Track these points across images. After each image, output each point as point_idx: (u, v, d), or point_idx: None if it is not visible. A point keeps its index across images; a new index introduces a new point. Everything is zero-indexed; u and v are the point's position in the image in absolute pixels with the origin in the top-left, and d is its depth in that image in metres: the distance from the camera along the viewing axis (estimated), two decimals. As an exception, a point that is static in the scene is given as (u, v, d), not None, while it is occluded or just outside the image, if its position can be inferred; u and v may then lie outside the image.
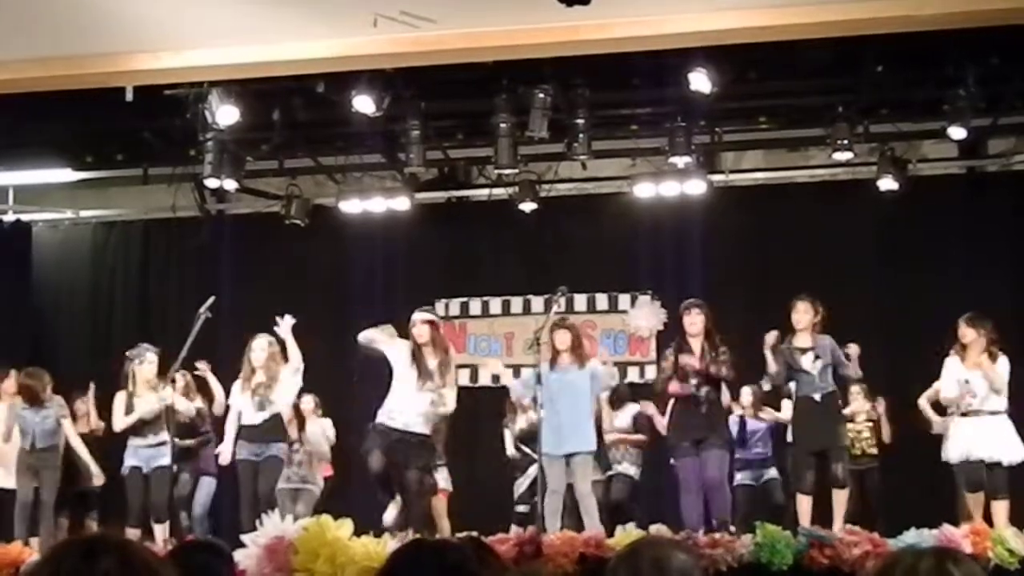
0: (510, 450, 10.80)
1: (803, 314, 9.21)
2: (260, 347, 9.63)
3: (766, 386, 9.86)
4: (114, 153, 12.66)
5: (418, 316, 9.41)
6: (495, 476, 11.29)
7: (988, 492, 8.90)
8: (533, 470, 10.24)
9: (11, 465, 10.26)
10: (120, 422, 9.96)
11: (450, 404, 9.35)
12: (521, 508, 10.58)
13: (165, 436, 9.84)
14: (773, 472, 10.80)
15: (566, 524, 8.96)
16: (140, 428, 9.89)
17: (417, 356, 9.25)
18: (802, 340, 9.22)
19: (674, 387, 9.12)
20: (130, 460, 9.91)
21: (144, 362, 10.01)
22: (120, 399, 9.99)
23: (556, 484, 9.06)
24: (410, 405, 9.18)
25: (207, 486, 11.13)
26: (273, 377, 9.57)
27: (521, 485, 10.66)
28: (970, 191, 12.15)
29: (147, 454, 9.80)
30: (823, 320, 9.23)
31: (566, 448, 9.08)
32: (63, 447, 10.34)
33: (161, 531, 9.70)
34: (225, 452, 9.75)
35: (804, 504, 9.05)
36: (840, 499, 9.00)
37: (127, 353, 10.17)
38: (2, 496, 10.31)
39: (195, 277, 12.74)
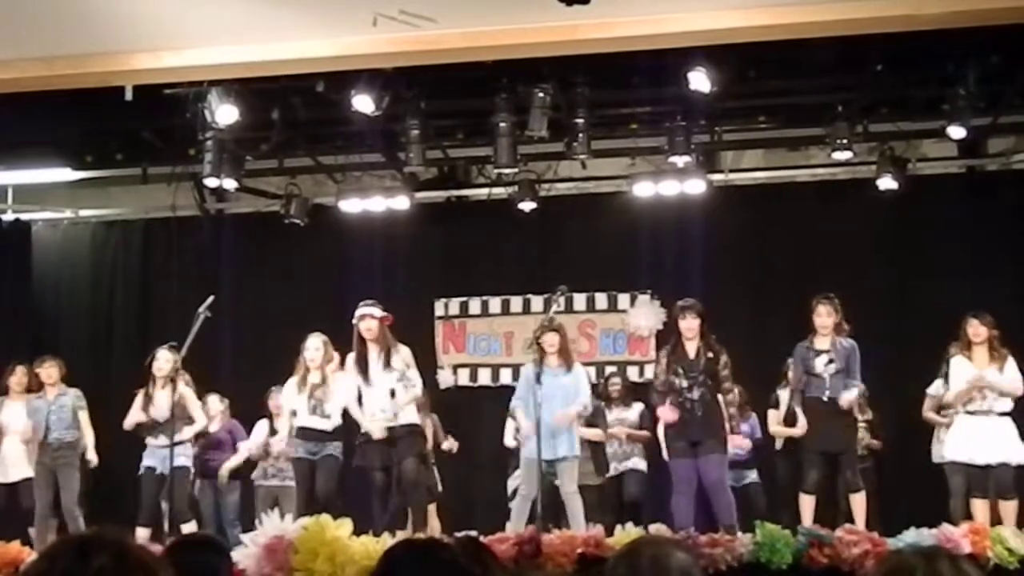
0: (508, 440, 10.81)
1: (825, 317, 9.10)
2: (314, 346, 9.58)
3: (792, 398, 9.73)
4: (114, 152, 12.64)
5: (367, 311, 9.38)
6: (494, 476, 11.27)
7: (996, 493, 8.84)
8: None
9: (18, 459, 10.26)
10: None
11: (418, 385, 9.41)
12: None
13: (182, 436, 9.76)
14: (754, 475, 10.76)
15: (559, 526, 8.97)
16: (154, 428, 9.84)
17: (364, 353, 9.31)
18: (821, 343, 9.12)
19: (665, 414, 8.99)
20: (147, 460, 9.86)
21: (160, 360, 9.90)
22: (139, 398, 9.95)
23: (529, 489, 9.07)
24: (388, 399, 9.27)
25: (234, 492, 11.10)
26: (327, 378, 9.54)
27: (515, 481, 10.65)
28: (970, 190, 12.14)
29: (163, 454, 9.69)
30: (843, 321, 9.14)
31: (553, 453, 9.08)
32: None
33: (188, 530, 9.63)
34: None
35: (807, 504, 8.97)
36: (858, 503, 8.96)
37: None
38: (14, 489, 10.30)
39: (195, 276, 12.72)
